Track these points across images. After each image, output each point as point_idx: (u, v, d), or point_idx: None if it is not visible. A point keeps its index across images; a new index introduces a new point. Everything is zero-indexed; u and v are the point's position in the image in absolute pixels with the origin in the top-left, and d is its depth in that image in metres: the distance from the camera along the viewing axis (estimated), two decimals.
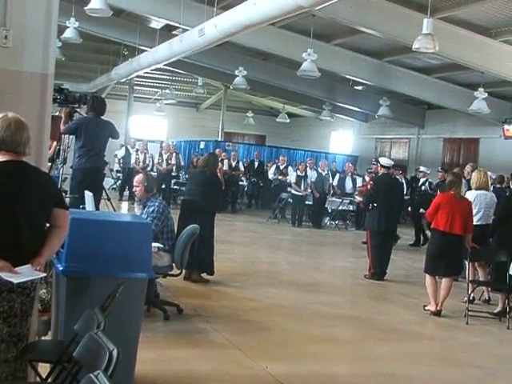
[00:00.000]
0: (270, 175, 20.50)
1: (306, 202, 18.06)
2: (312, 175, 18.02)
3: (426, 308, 8.62)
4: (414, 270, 11.67)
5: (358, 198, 12.88)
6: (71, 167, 8.78)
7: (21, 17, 4.50)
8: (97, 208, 7.63)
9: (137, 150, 20.33)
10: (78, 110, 8.62)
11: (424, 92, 19.13)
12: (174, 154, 20.41)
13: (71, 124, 8.55)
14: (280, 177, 19.56)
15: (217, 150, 19.31)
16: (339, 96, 23.27)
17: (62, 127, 8.52)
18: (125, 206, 18.47)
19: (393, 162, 12.26)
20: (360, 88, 23.22)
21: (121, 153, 21.09)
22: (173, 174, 20.28)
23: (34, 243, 3.84)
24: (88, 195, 7.35)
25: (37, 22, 4.54)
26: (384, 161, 11.54)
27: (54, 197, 4.00)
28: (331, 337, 7.25)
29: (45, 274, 4.08)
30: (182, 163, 21.60)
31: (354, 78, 19.84)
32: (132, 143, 20.97)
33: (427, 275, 8.65)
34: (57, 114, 9.56)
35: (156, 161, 19.73)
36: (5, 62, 4.47)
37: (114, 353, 2.87)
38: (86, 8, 13.60)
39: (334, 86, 22.69)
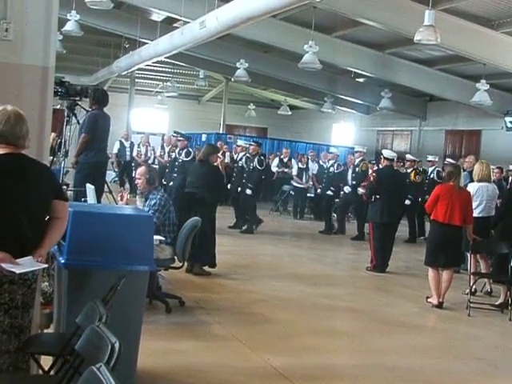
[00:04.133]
0: (274, 168, 20.44)
1: (308, 195, 18.06)
2: (313, 167, 18.00)
3: (429, 300, 8.63)
4: (416, 262, 11.67)
5: (361, 191, 12.86)
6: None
7: (21, 10, 4.49)
8: (98, 201, 7.64)
9: (131, 143, 20.21)
10: (79, 103, 8.62)
11: (426, 84, 19.09)
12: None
13: (90, 125, 8.54)
14: (286, 169, 19.48)
15: (218, 143, 19.26)
16: (341, 88, 23.24)
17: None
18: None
19: (395, 154, 12.25)
20: (362, 80, 23.17)
21: (116, 146, 20.80)
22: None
23: (35, 235, 3.85)
24: (89, 188, 7.35)
25: (37, 14, 4.53)
26: (387, 153, 11.54)
27: (54, 189, 4.01)
28: (333, 329, 7.26)
29: (46, 266, 4.09)
30: None
31: (355, 70, 19.79)
32: (126, 136, 20.72)
33: (429, 268, 8.65)
34: (58, 107, 9.58)
35: (157, 153, 19.70)
36: (5, 55, 4.47)
37: (116, 345, 2.87)
38: (86, 1, 13.59)
39: (335, 78, 22.64)
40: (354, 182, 14.77)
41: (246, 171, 14.63)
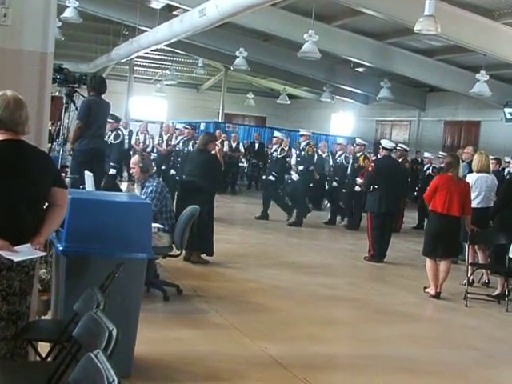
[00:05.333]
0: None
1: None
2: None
3: (426, 290, 8.64)
4: (414, 252, 11.68)
5: (359, 180, 12.87)
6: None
7: None
8: (97, 188, 7.63)
9: (130, 131, 20.12)
10: (77, 90, 8.59)
11: (425, 74, 19.05)
12: (174, 135, 20.34)
13: (82, 111, 8.52)
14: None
15: (217, 132, 19.23)
16: (340, 78, 23.20)
17: None
18: (124, 186, 18.43)
19: (394, 145, 12.24)
20: (361, 70, 23.13)
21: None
22: (173, 154, 20.21)
23: (33, 222, 3.83)
24: (88, 175, 7.34)
25: (36, 0, 4.50)
26: (385, 143, 11.54)
27: (53, 176, 3.99)
28: (330, 318, 7.28)
29: (45, 253, 4.09)
30: None
31: (355, 60, 19.76)
32: (125, 124, 20.63)
33: (427, 258, 8.66)
34: (56, 94, 9.55)
35: (156, 142, 19.66)
36: (4, 40, 4.44)
37: (114, 332, 2.87)
38: None
39: (334, 68, 22.59)
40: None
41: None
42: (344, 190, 15.05)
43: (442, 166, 14.37)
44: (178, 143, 16.16)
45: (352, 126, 28.21)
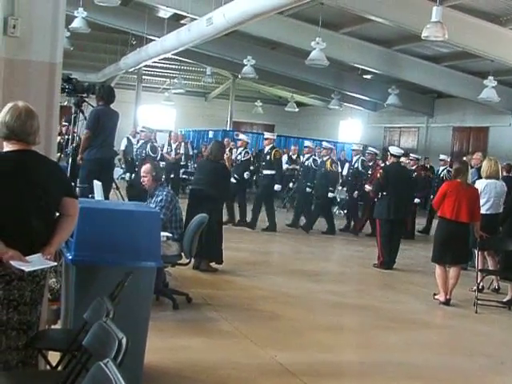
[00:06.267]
0: (284, 165, 20.37)
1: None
2: None
3: (436, 297, 8.61)
4: (423, 258, 11.64)
5: (368, 187, 12.86)
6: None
7: (29, 6, 4.49)
8: (106, 197, 7.65)
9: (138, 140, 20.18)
10: (86, 99, 8.64)
11: (433, 80, 19.05)
12: (183, 144, 20.39)
13: (91, 120, 8.59)
14: (297, 166, 19.39)
15: (225, 140, 19.25)
16: (348, 85, 23.21)
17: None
18: None
19: (403, 151, 12.23)
20: (369, 77, 23.14)
21: (123, 143, 20.78)
22: (181, 163, 20.27)
23: (44, 233, 3.85)
24: (97, 184, 7.36)
25: (45, 11, 4.53)
26: (394, 150, 11.53)
27: (63, 186, 4.01)
28: (340, 326, 7.27)
29: (55, 263, 4.09)
30: (191, 152, 21.56)
31: (362, 67, 19.77)
32: (133, 133, 20.72)
33: (436, 265, 8.63)
34: (65, 103, 9.61)
35: (164, 150, 19.71)
36: (13, 51, 4.47)
37: (123, 341, 2.88)
38: None
39: (342, 75, 22.62)
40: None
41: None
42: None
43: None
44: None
45: (360, 132, 28.20)
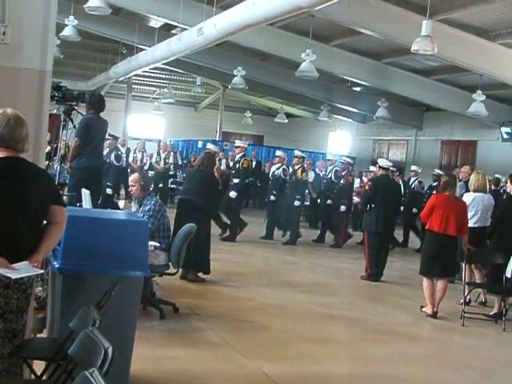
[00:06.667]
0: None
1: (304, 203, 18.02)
2: (310, 176, 17.97)
3: (423, 310, 8.62)
4: (410, 271, 11.65)
5: (356, 199, 12.89)
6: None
7: (19, 13, 4.49)
8: (94, 206, 7.62)
9: (128, 149, 20.08)
10: (75, 107, 8.61)
11: (422, 94, 19.13)
12: (172, 153, 20.35)
13: (81, 129, 8.55)
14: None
15: (212, 146, 19.15)
16: (337, 97, 23.27)
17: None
18: (121, 204, 18.40)
19: (391, 164, 12.28)
20: (358, 89, 23.22)
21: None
22: (170, 173, 20.23)
23: (32, 240, 3.83)
24: (85, 193, 7.33)
25: (35, 18, 4.53)
26: (382, 162, 11.57)
27: (52, 194, 4.00)
28: (327, 337, 7.25)
29: (42, 271, 4.07)
30: (180, 162, 21.53)
31: (352, 79, 19.83)
32: (122, 142, 20.61)
33: (424, 278, 8.65)
34: (54, 111, 9.57)
35: (153, 160, 19.68)
36: (3, 58, 4.45)
37: (110, 350, 2.86)
38: (84, 6, 13.59)
39: (332, 87, 22.68)
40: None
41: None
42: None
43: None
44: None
45: (349, 144, 28.27)
